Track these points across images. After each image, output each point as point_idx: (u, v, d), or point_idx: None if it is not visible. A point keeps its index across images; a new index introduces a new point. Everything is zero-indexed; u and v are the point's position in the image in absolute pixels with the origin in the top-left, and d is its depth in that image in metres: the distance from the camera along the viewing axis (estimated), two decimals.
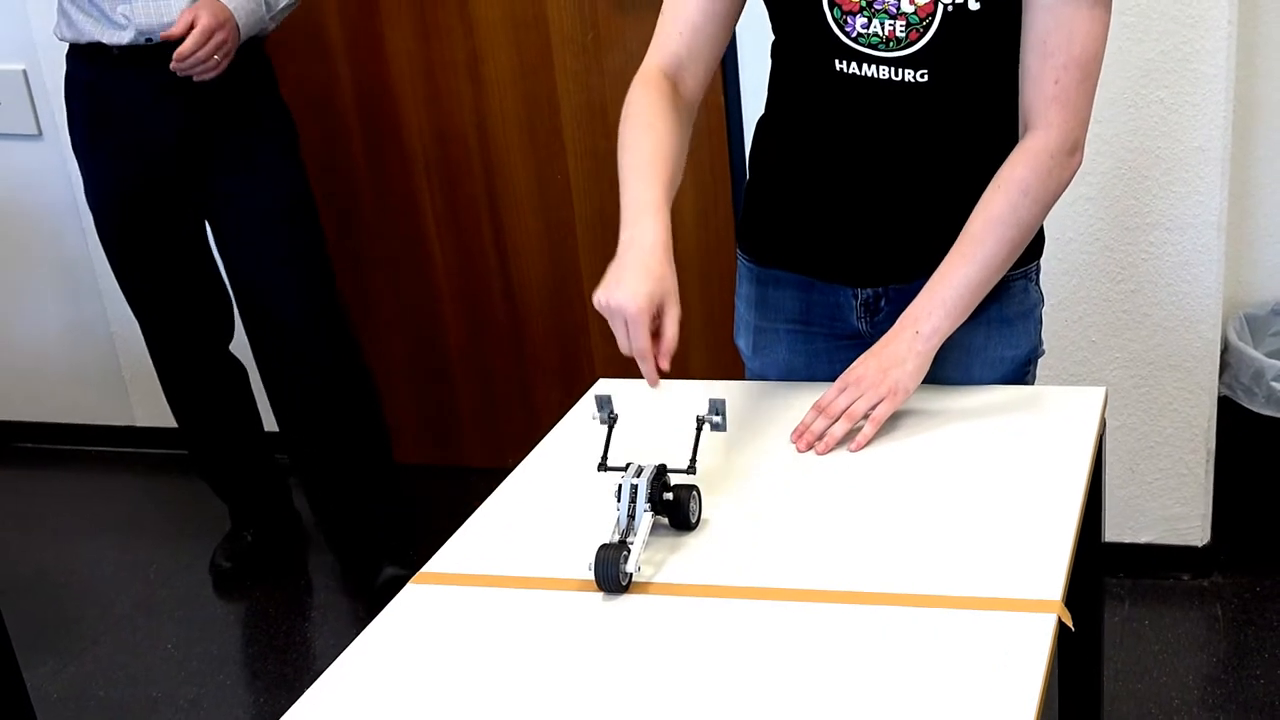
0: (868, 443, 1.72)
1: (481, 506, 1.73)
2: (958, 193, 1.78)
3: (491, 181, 3.34)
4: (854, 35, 1.71)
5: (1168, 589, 2.94)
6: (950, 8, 1.67)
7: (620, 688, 1.37)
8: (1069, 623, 1.40)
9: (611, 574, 1.50)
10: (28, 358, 3.93)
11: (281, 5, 2.80)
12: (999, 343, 1.84)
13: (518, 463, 1.83)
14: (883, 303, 1.87)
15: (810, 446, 1.74)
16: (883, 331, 1.84)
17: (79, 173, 2.95)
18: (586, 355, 3.44)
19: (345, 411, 3.00)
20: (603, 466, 1.63)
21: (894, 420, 1.76)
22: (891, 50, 1.71)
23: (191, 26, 2.63)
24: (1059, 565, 1.46)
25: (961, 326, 1.76)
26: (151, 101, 2.78)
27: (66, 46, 2.85)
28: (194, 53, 2.65)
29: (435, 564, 1.63)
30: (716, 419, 1.65)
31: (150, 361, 3.13)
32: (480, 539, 1.66)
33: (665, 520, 1.60)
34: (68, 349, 3.87)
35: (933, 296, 1.74)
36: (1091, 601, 1.86)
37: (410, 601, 1.56)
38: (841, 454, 1.73)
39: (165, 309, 3.02)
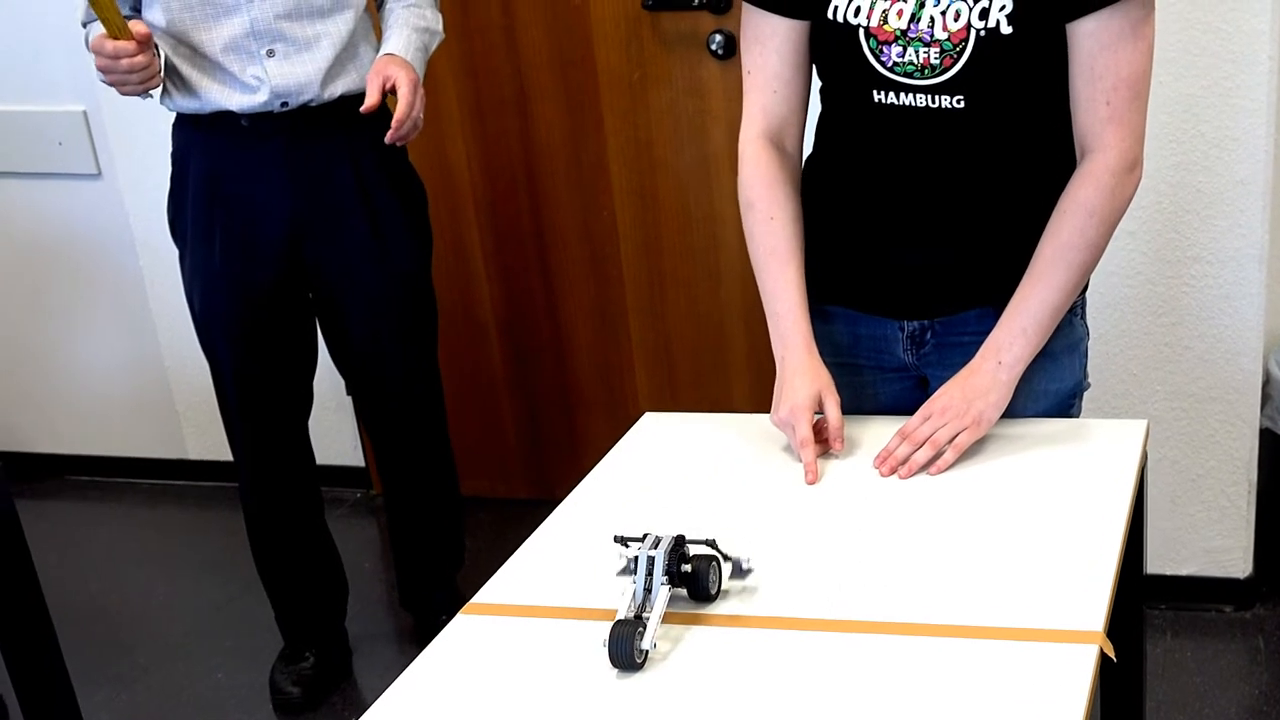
0: (948, 468, 1.76)
1: (530, 538, 1.75)
2: (1001, 222, 1.81)
3: (539, 217, 3.38)
4: (890, 65, 1.75)
5: (1210, 621, 2.94)
6: (982, 33, 1.70)
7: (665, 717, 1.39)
8: (1111, 654, 1.41)
9: (626, 652, 1.45)
10: (84, 392, 3.99)
11: (435, 48, 2.70)
12: (1043, 376, 1.86)
13: (562, 494, 1.85)
14: (929, 335, 1.90)
15: (893, 471, 1.77)
16: (930, 364, 1.88)
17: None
18: (630, 389, 3.48)
19: (429, 457, 2.96)
20: (620, 539, 1.57)
21: None
22: (927, 78, 1.74)
23: (386, 88, 2.50)
24: (1101, 596, 1.48)
25: None
26: (279, 173, 2.59)
27: (167, 114, 2.66)
28: (410, 114, 2.50)
29: (485, 594, 1.65)
30: (742, 572, 1.57)
31: (202, 395, 3.15)
32: (529, 570, 1.69)
33: (684, 592, 1.55)
34: (123, 383, 3.93)
35: (1012, 326, 1.77)
36: (1133, 633, 1.88)
37: (460, 632, 1.58)
38: (878, 487, 1.75)
39: (266, 406, 2.80)
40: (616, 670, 1.46)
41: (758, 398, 3.31)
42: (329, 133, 2.60)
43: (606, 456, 1.94)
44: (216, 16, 2.49)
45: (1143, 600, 1.90)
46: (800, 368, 1.83)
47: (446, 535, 3.07)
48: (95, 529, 3.88)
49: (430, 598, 3.09)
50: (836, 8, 1.77)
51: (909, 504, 1.71)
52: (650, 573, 1.50)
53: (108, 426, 4.01)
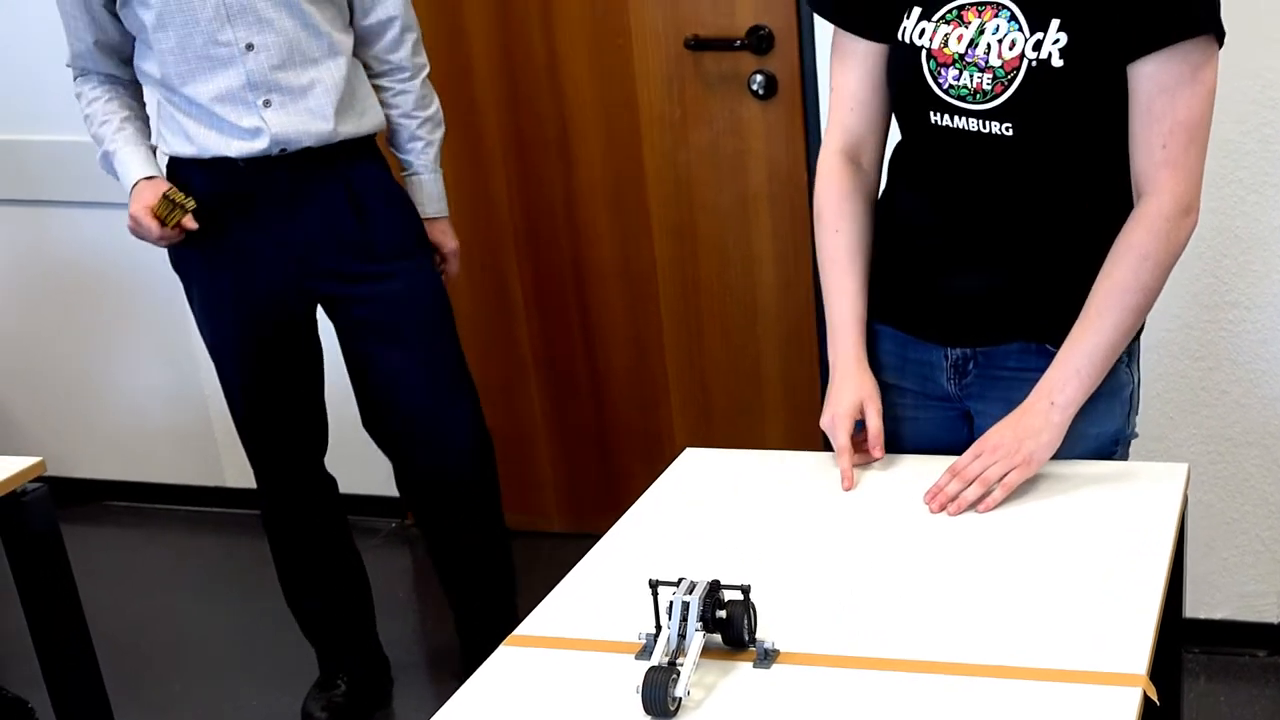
0: (995, 506, 1.77)
1: (572, 571, 1.77)
2: (1044, 254, 1.84)
3: (578, 254, 3.41)
4: (946, 87, 1.79)
5: (1242, 665, 2.93)
6: (1034, 64, 1.73)
7: None
8: (1154, 696, 1.42)
9: (659, 699, 1.43)
10: (125, 419, 4.04)
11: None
12: (1080, 418, 1.86)
13: (598, 528, 1.87)
14: (971, 365, 1.92)
15: (942, 508, 1.79)
16: (971, 396, 1.91)
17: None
18: (667, 425, 3.50)
19: (475, 495, 2.93)
20: (654, 583, 1.56)
21: None
22: (979, 102, 1.77)
23: (438, 250, 2.79)
24: (1144, 639, 1.49)
25: (1016, 398, 1.82)
26: (280, 210, 2.61)
27: (167, 158, 2.66)
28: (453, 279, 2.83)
29: (526, 627, 1.67)
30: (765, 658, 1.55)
31: None
32: (571, 603, 1.70)
33: (718, 638, 1.54)
34: (163, 411, 3.97)
35: (1066, 367, 1.79)
36: (1171, 676, 1.88)
37: (501, 664, 1.60)
38: (921, 526, 1.77)
39: (278, 434, 2.85)
40: (650, 718, 1.45)
41: (793, 435, 3.32)
42: (326, 168, 2.62)
43: (648, 491, 1.96)
44: (212, 69, 2.52)
45: (1180, 643, 1.90)
46: (846, 376, 1.90)
47: (496, 565, 3.04)
48: (134, 555, 3.91)
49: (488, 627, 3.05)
50: (905, 29, 1.82)
51: (952, 544, 1.72)
52: (684, 618, 1.49)
53: (148, 454, 4.05)
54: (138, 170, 2.59)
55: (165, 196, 2.52)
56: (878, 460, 1.90)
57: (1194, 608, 2.93)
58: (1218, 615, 2.95)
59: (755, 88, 3.11)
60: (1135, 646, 1.48)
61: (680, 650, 1.48)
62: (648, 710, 1.44)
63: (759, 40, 3.08)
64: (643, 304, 3.41)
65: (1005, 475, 1.78)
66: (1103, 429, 1.90)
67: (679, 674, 1.45)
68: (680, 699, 1.44)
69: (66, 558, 2.41)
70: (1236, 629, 2.95)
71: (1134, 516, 1.74)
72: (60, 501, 2.46)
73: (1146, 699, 1.41)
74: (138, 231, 2.56)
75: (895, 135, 1.98)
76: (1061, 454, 1.87)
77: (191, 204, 2.51)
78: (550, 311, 3.50)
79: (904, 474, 1.90)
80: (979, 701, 1.42)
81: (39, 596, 2.39)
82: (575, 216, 3.38)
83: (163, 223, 2.53)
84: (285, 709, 3.11)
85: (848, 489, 1.85)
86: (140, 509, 4.11)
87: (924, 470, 1.89)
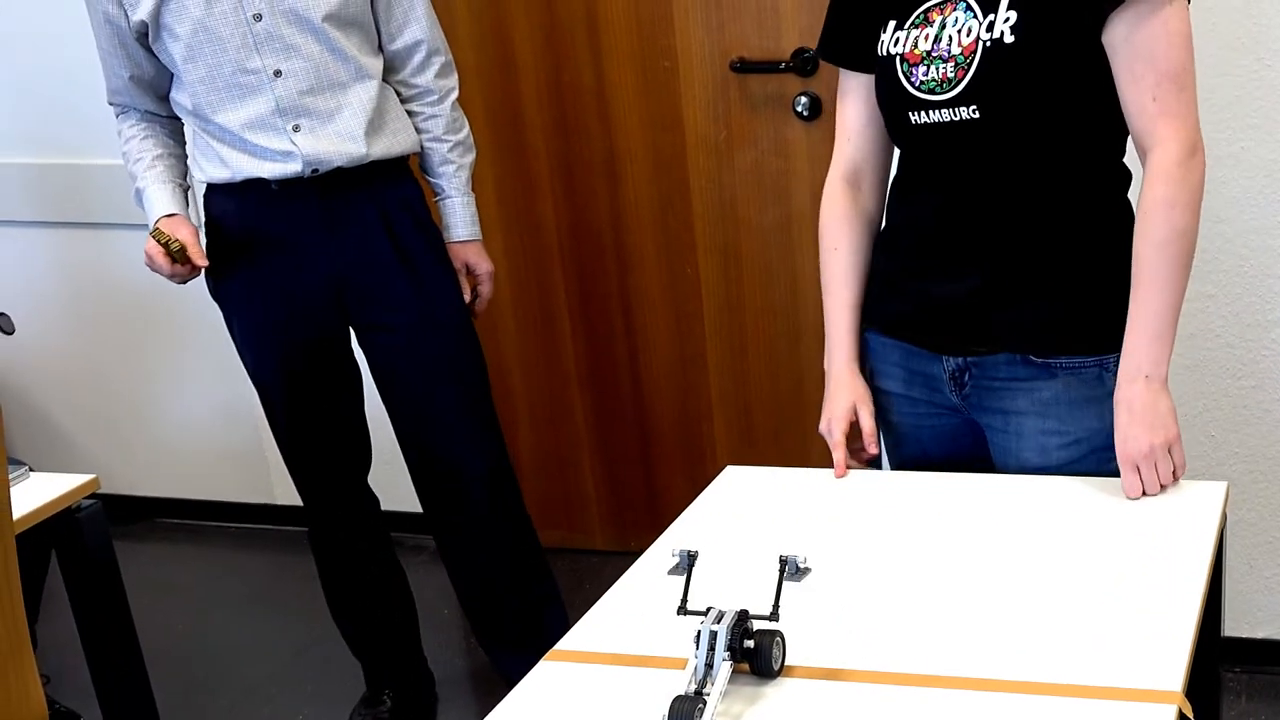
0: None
1: (613, 587, 1.79)
2: (1022, 251, 1.89)
3: (624, 274, 3.44)
4: (917, 84, 1.89)
5: None
6: (989, 44, 1.82)
7: None
8: (1190, 714, 1.43)
9: None
10: (176, 437, 4.09)
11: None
12: (1064, 422, 1.91)
13: (639, 546, 1.88)
14: (967, 376, 1.97)
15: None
16: (974, 405, 1.98)
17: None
18: (709, 443, 3.51)
19: (501, 524, 2.91)
20: (682, 610, 1.57)
21: (1018, 510, 1.83)
22: (946, 91, 1.86)
23: (470, 274, 2.82)
24: (1180, 657, 1.49)
25: (1010, 409, 1.93)
26: (314, 233, 2.64)
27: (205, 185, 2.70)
28: (486, 303, 2.87)
29: (567, 642, 1.69)
30: (799, 572, 1.60)
31: None
32: (611, 619, 1.72)
33: (746, 668, 1.54)
34: (214, 429, 4.02)
35: (1139, 337, 1.82)
36: (1210, 696, 1.88)
37: (543, 678, 1.62)
38: (955, 544, 1.78)
39: (321, 455, 2.87)
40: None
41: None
42: (359, 190, 2.65)
43: (689, 508, 1.98)
44: (242, 97, 2.56)
45: (1219, 662, 1.90)
46: (840, 383, 2.06)
47: (512, 594, 3.00)
48: (185, 571, 3.96)
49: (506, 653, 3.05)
50: (883, 42, 1.93)
51: (989, 560, 1.73)
52: (712, 648, 1.48)
53: (199, 471, 4.10)
54: (161, 208, 2.64)
55: (152, 232, 2.54)
56: (874, 455, 2.06)
57: (1234, 627, 2.92)
58: (1259, 634, 2.94)
59: (800, 109, 3.14)
60: (1171, 664, 1.48)
61: (708, 680, 1.47)
62: None
63: (803, 62, 3.11)
64: (687, 323, 3.43)
65: (1173, 467, 1.84)
66: (1091, 426, 1.91)
67: (706, 704, 1.44)
68: None
69: (119, 573, 2.45)
70: (1277, 648, 2.93)
71: (1172, 534, 1.74)
72: (112, 518, 2.50)
73: (1182, 717, 1.42)
74: (152, 266, 2.59)
75: None
76: (1034, 459, 1.94)
77: (176, 245, 2.52)
78: (595, 330, 3.52)
79: (937, 494, 1.92)
80: (1014, 718, 1.43)
81: (91, 611, 2.43)
82: (621, 237, 3.41)
83: (174, 259, 2.55)
84: None
85: (839, 476, 2.01)
86: (191, 526, 4.16)
87: (956, 488, 1.92)
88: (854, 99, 2.04)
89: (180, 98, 2.62)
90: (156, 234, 2.53)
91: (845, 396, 2.05)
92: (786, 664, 1.56)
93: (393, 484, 3.28)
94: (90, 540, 2.39)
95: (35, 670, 2.22)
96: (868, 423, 2.04)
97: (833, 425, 2.05)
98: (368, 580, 3.03)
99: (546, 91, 3.35)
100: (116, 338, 4.05)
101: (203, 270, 2.61)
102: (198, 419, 4.04)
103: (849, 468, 2.03)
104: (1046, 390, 1.91)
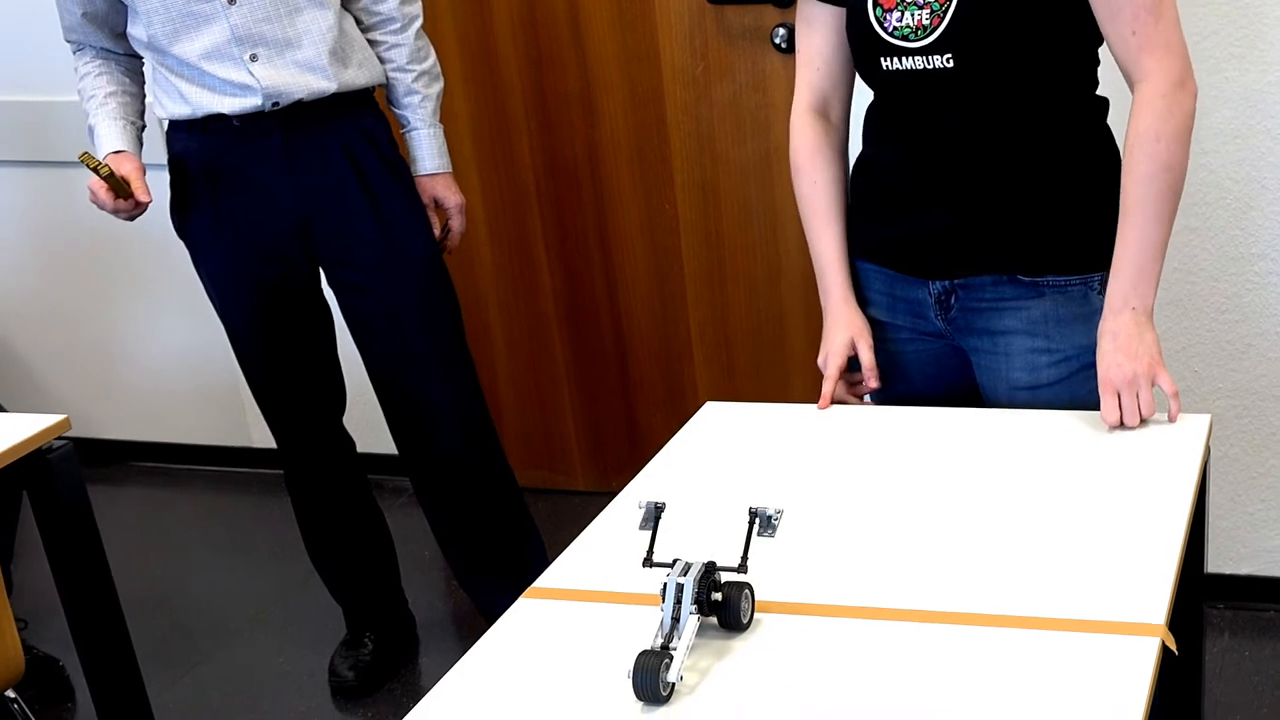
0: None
1: (591, 524, 1.78)
2: (1001, 185, 1.89)
3: (601, 210, 3.41)
4: (890, 29, 1.86)
5: (1268, 621, 2.92)
6: None
7: (720, 708, 1.41)
8: (1173, 646, 1.42)
9: (650, 684, 1.38)
10: (150, 380, 4.06)
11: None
12: (1052, 338, 1.91)
13: (620, 485, 1.88)
14: (953, 300, 1.97)
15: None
16: (961, 329, 1.98)
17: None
18: (690, 381, 3.49)
19: (476, 464, 2.90)
20: (648, 562, 1.54)
21: (1000, 444, 1.81)
22: (920, 39, 1.84)
23: (439, 207, 2.78)
24: (1163, 590, 1.49)
25: (997, 328, 1.92)
26: (277, 170, 2.61)
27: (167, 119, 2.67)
28: (459, 238, 2.83)
29: (546, 579, 1.68)
30: (769, 527, 1.55)
31: None
32: (588, 556, 1.72)
33: (714, 621, 1.50)
34: (189, 372, 3.99)
35: (1125, 269, 1.81)
36: (1192, 631, 1.87)
37: (521, 615, 1.61)
38: (938, 479, 1.76)
39: (294, 397, 2.85)
40: (641, 704, 1.41)
41: (816, 391, 3.30)
42: (321, 125, 2.62)
43: (667, 445, 1.96)
44: (196, 26, 2.52)
45: (1202, 598, 1.90)
46: (836, 317, 2.05)
47: (512, 525, 3.03)
48: (160, 515, 3.94)
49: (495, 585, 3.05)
50: None
51: (969, 494, 1.72)
52: (679, 601, 1.44)
53: (174, 414, 4.07)
54: (109, 144, 2.61)
55: (84, 158, 2.49)
56: (874, 389, 2.03)
57: (1218, 563, 2.92)
58: (1242, 570, 2.94)
59: (778, 41, 3.09)
60: (1154, 596, 1.47)
61: (675, 634, 1.43)
62: (639, 696, 1.40)
63: None
64: (665, 259, 3.40)
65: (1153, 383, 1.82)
66: (1079, 344, 1.91)
67: (672, 658, 1.40)
68: (673, 684, 1.40)
69: (93, 516, 2.42)
70: (1261, 584, 2.94)
71: (1155, 468, 1.73)
72: (86, 462, 2.48)
73: (1165, 650, 1.41)
74: (95, 201, 2.55)
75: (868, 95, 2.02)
76: (1024, 379, 1.94)
77: (105, 170, 2.48)
78: (573, 267, 3.49)
79: (917, 428, 1.90)
80: (995, 651, 1.42)
81: (66, 555, 2.41)
82: (598, 171, 3.38)
83: (116, 194, 2.51)
84: (312, 667, 3.13)
85: (822, 408, 1.99)
86: (166, 469, 4.14)
87: (937, 424, 1.91)
88: (821, 28, 2.01)
89: (136, 31, 2.58)
90: (86, 158, 2.47)
91: (843, 330, 2.03)
92: (756, 615, 1.53)
93: (370, 426, 3.26)
94: (62, 482, 2.37)
95: (9, 613, 2.20)
96: (867, 356, 2.02)
97: (830, 360, 2.03)
98: (346, 523, 3.01)
99: (520, 24, 3.30)
100: (87, 278, 4.00)
101: (148, 206, 2.58)
102: (172, 361, 4.00)
103: (847, 402, 2.02)
104: (1035, 309, 1.91)
